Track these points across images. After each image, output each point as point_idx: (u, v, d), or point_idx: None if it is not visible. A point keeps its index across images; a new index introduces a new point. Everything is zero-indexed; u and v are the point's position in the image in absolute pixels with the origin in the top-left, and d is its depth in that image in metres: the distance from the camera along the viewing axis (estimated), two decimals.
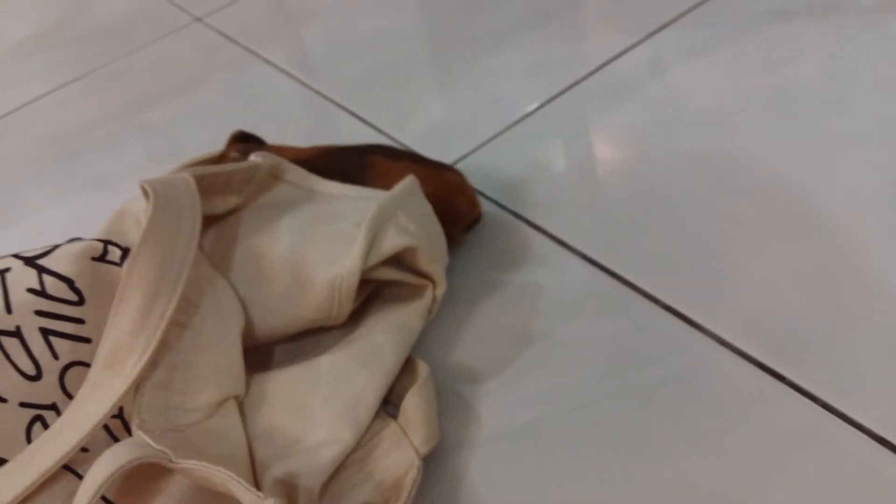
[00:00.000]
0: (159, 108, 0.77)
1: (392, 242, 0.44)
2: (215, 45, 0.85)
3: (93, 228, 0.62)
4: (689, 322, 0.46)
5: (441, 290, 0.46)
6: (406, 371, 0.44)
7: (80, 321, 0.41)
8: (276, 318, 0.44)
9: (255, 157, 0.49)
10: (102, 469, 0.34)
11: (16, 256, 0.43)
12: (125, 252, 0.42)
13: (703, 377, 0.43)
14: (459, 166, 0.60)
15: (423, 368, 0.43)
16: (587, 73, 0.67)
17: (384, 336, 0.44)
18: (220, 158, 0.56)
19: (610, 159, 0.58)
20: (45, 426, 0.39)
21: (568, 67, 0.69)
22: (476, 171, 0.59)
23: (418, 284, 0.47)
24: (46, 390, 0.40)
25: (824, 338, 0.43)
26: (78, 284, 0.41)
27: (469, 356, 0.46)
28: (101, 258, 0.42)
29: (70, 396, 0.40)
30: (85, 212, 0.66)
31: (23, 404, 0.39)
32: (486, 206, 0.56)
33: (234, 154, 0.54)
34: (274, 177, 0.49)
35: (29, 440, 0.39)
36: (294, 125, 0.70)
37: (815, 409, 0.40)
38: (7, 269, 0.42)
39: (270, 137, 0.62)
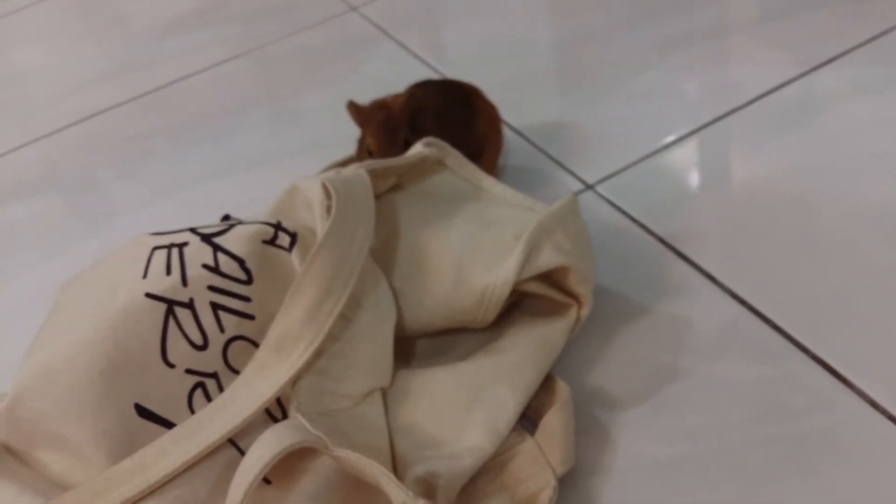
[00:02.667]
0: (309, 95, 0.80)
1: (547, 259, 0.44)
2: (369, 36, 0.87)
3: (238, 207, 0.66)
4: (837, 376, 0.44)
5: (586, 311, 0.47)
6: (545, 388, 0.44)
7: (247, 299, 0.43)
8: (424, 313, 0.46)
9: (422, 147, 0.50)
10: (266, 448, 0.36)
11: (192, 231, 0.46)
12: (293, 238, 0.45)
13: (847, 436, 0.41)
14: (604, 186, 0.60)
15: (563, 389, 0.44)
16: (745, 101, 0.66)
17: (527, 350, 0.45)
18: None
19: (763, 196, 0.56)
20: (206, 392, 0.42)
21: (724, 94, 0.67)
22: (622, 192, 0.59)
23: (564, 302, 0.47)
24: (210, 360, 0.42)
25: None
26: (248, 265, 0.44)
27: (608, 381, 0.46)
28: (271, 241, 0.45)
29: (230, 367, 0.42)
30: (232, 190, 0.70)
31: (188, 371, 0.42)
32: (632, 229, 0.56)
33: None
34: (437, 162, 0.51)
35: (190, 404, 0.42)
36: None
37: None
38: (185, 244, 0.45)
39: None
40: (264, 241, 0.45)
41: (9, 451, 0.43)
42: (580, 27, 0.81)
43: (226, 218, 0.61)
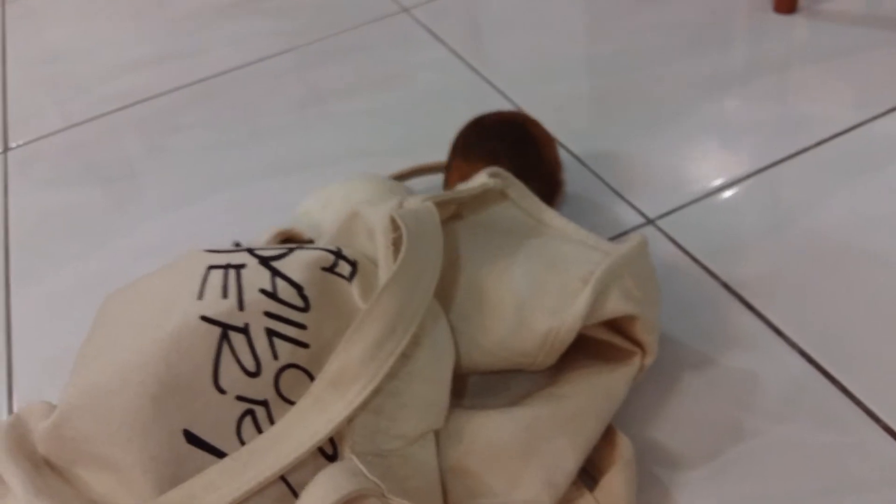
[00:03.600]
0: (356, 99, 0.78)
1: (614, 306, 0.43)
2: (419, 39, 0.85)
3: (278, 211, 0.64)
4: None
5: (650, 360, 0.45)
6: (606, 441, 0.43)
7: (302, 326, 0.42)
8: (480, 353, 0.44)
9: (486, 177, 0.48)
10: (324, 495, 0.35)
11: (250, 253, 0.44)
12: (354, 268, 0.43)
13: None
14: (666, 221, 0.58)
15: (626, 445, 0.42)
16: (816, 141, 0.63)
17: (589, 400, 0.43)
18: None
19: (833, 245, 0.54)
20: (255, 420, 0.40)
21: (796, 130, 0.65)
22: (684, 230, 0.57)
23: (627, 349, 0.45)
24: (262, 387, 0.41)
25: None
26: (306, 292, 0.42)
27: (668, 436, 0.44)
28: (331, 269, 0.43)
29: (281, 396, 0.41)
30: (274, 193, 0.68)
31: (239, 398, 0.40)
32: (694, 271, 0.54)
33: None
34: (499, 192, 0.49)
35: (238, 432, 0.40)
36: None
37: None
38: (242, 266, 0.43)
39: None
40: (323, 268, 0.43)
41: (49, 465, 0.41)
42: (642, 48, 0.78)
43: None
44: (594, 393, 0.43)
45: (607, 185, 0.62)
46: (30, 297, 0.62)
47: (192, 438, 0.40)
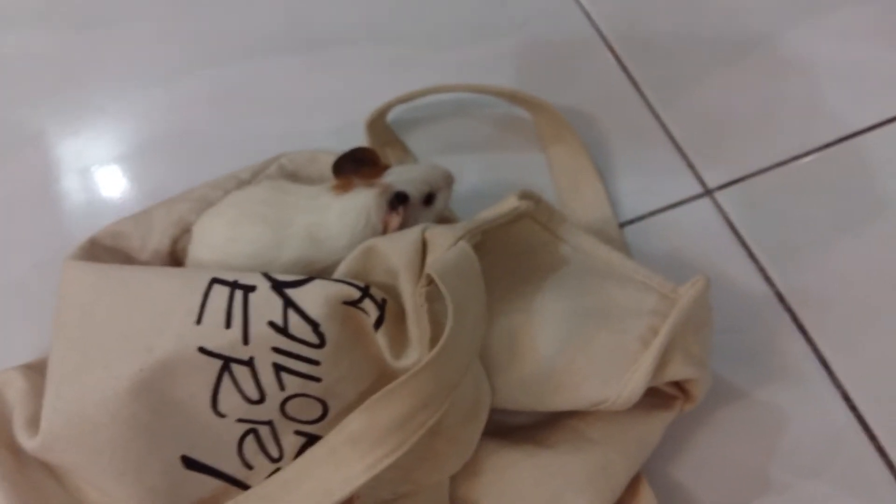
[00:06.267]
0: None
1: (674, 372, 0.39)
2: None
3: (277, 109, 0.55)
4: None
5: (691, 407, 0.41)
6: (629, 491, 0.41)
7: (315, 363, 0.37)
8: (509, 403, 0.41)
9: (515, 199, 0.42)
10: None
11: (264, 273, 0.38)
12: (381, 312, 0.37)
13: None
14: (726, 193, 0.50)
15: (649, 499, 0.40)
16: None
17: (621, 450, 0.40)
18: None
19: None
20: (258, 438, 0.38)
21: None
22: (745, 208, 0.50)
23: (670, 395, 0.41)
24: (265, 411, 0.38)
25: None
26: (323, 328, 0.37)
27: (691, 479, 0.42)
28: (354, 304, 0.37)
29: (287, 416, 0.38)
30: (270, 82, 0.57)
31: (240, 420, 0.38)
32: (746, 268, 0.48)
33: None
34: (528, 216, 0.43)
35: (240, 451, 0.38)
36: (547, 47, 0.57)
37: None
38: (252, 288, 0.37)
39: (511, 49, 0.55)
40: (345, 303, 0.37)
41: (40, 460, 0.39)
42: None
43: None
44: (626, 440, 0.40)
45: (668, 133, 0.53)
46: None
47: (190, 463, 0.37)
